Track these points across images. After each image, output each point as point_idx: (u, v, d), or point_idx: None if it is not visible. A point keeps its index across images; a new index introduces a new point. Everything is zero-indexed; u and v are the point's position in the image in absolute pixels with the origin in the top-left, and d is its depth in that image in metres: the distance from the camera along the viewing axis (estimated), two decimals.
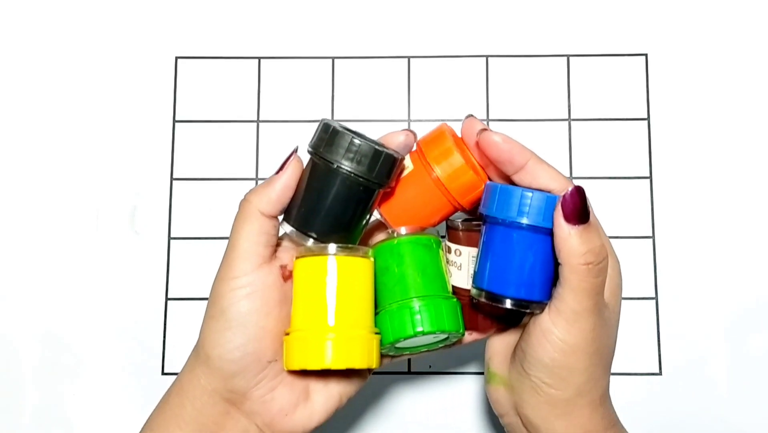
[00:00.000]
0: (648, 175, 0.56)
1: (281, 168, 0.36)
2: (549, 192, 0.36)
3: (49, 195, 0.56)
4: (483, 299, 0.36)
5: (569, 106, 0.57)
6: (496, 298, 0.35)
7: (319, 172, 0.36)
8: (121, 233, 0.55)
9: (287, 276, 0.37)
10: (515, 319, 0.40)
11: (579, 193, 0.34)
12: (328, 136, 0.35)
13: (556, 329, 0.35)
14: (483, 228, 0.37)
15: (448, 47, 0.57)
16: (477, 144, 0.37)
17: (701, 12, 0.57)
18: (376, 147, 0.36)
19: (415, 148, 0.39)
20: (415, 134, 0.39)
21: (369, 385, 0.54)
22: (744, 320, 0.54)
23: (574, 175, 0.56)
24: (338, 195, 0.36)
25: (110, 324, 0.54)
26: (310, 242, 0.37)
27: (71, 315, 0.54)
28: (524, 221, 0.34)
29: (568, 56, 0.57)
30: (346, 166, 0.35)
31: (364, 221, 0.38)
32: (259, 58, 0.57)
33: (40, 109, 0.57)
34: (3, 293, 0.55)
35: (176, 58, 0.57)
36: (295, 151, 0.37)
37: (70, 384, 0.54)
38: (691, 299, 0.54)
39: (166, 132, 0.57)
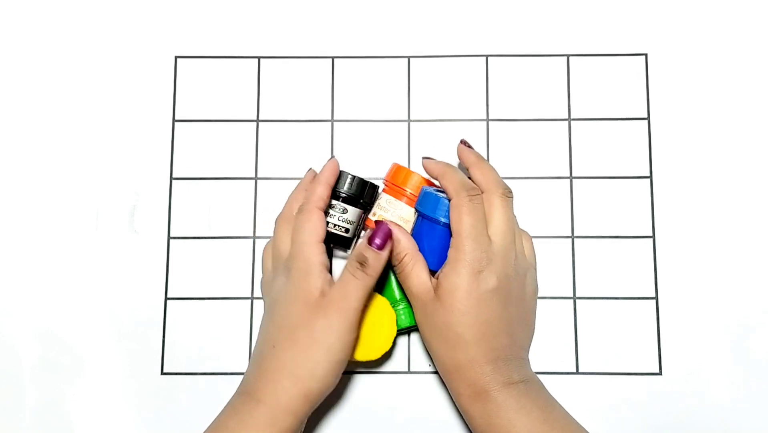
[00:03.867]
0: (648, 175, 0.56)
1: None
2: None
3: (49, 195, 0.56)
4: None
5: (569, 106, 0.57)
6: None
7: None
8: (120, 233, 0.55)
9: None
10: None
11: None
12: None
13: None
14: (416, 217, 0.51)
15: (448, 47, 0.57)
16: (424, 167, 0.51)
17: (701, 12, 0.57)
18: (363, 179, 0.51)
19: (384, 186, 0.52)
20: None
21: (369, 384, 0.54)
22: (744, 319, 0.54)
23: (574, 175, 0.56)
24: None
25: (110, 324, 0.54)
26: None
27: (71, 315, 0.54)
28: (438, 217, 0.48)
29: (568, 56, 0.57)
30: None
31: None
32: (259, 58, 0.57)
33: (40, 109, 0.57)
34: (3, 293, 0.55)
35: (176, 57, 0.57)
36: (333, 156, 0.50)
37: (69, 384, 0.54)
38: (692, 298, 0.54)
39: (165, 131, 0.57)
